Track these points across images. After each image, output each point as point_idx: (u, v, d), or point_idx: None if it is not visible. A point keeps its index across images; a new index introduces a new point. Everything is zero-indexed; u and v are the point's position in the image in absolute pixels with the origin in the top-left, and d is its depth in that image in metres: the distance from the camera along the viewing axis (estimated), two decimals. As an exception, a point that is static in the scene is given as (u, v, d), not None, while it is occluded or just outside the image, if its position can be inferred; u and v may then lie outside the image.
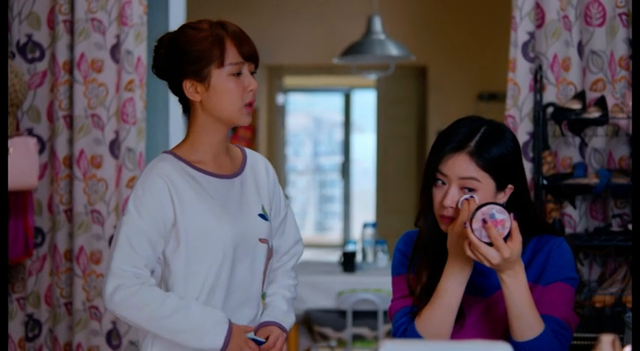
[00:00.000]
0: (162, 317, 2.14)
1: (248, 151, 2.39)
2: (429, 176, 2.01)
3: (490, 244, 1.88)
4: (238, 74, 2.19)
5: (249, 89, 2.20)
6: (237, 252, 2.22)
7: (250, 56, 2.21)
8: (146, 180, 2.20)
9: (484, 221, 1.88)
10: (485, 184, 1.98)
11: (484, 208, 1.89)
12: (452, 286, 1.97)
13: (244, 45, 2.20)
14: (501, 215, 1.88)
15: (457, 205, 1.96)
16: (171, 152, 2.27)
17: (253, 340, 2.22)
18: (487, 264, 1.89)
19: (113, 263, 2.15)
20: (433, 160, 2.01)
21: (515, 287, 1.90)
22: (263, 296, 2.33)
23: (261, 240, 2.27)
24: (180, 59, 2.20)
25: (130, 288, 2.13)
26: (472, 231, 1.89)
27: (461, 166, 1.97)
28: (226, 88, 2.19)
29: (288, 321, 2.34)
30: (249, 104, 2.22)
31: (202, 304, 2.18)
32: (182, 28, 2.25)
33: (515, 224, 1.89)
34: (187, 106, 2.27)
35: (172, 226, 2.18)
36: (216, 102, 2.20)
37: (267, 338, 2.26)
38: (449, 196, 1.97)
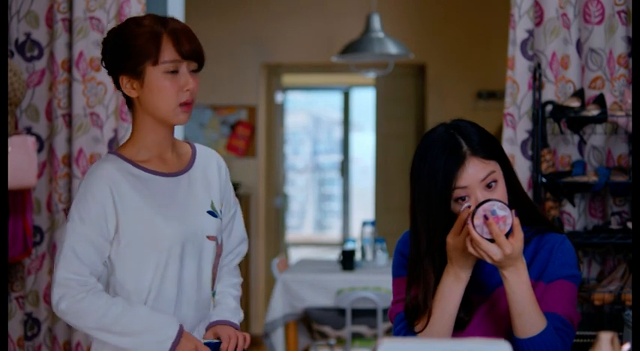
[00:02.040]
0: (110, 322, 2.13)
1: (199, 147, 2.36)
2: (443, 202, 1.96)
3: (492, 241, 1.87)
4: (175, 72, 2.16)
5: (186, 88, 2.16)
6: (184, 250, 2.20)
7: (190, 55, 2.16)
8: (87, 184, 2.18)
9: (485, 217, 1.87)
10: (498, 172, 1.98)
11: (485, 205, 1.88)
12: (452, 291, 1.96)
13: (183, 43, 2.15)
14: (503, 211, 1.87)
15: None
16: (115, 152, 2.25)
17: (208, 344, 2.21)
18: (489, 260, 1.88)
19: (57, 272, 2.14)
20: (443, 185, 1.95)
21: (517, 284, 1.89)
22: (213, 294, 2.32)
23: (209, 237, 2.25)
24: (118, 54, 2.18)
25: (75, 296, 2.13)
26: (473, 227, 1.88)
27: (475, 168, 1.95)
28: (160, 87, 2.15)
29: (238, 318, 2.34)
30: (186, 103, 2.18)
31: (150, 308, 2.17)
32: (126, 21, 2.22)
33: (517, 220, 1.88)
34: (130, 103, 2.25)
35: (115, 228, 2.17)
36: (150, 100, 2.17)
37: (219, 338, 2.25)
38: (480, 199, 1.94)
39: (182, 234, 2.20)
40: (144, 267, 2.18)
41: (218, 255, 2.31)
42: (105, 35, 2.26)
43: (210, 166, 2.33)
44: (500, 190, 1.98)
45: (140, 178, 2.20)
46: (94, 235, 2.15)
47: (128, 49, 2.15)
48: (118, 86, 2.23)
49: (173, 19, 2.21)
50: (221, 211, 2.31)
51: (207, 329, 2.29)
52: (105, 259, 2.18)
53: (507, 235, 1.87)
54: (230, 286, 2.38)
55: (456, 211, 1.97)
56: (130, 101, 2.24)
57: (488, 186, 1.97)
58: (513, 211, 1.88)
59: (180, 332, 2.16)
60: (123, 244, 2.18)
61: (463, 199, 1.96)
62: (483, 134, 2.01)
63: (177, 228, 2.19)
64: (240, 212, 2.44)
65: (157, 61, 2.14)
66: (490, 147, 2.00)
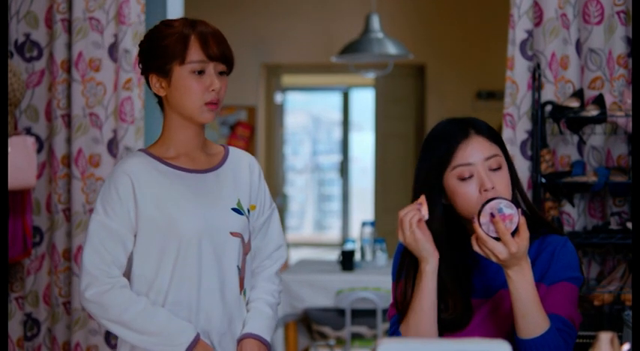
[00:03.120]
0: (129, 319, 2.17)
1: (232, 149, 2.40)
2: (440, 177, 1.98)
3: (497, 239, 1.86)
4: (202, 72, 2.21)
5: (211, 89, 2.22)
6: (202, 243, 2.22)
7: (217, 56, 2.22)
8: (111, 177, 2.24)
9: (492, 215, 1.86)
10: (503, 158, 2.00)
11: (492, 202, 1.86)
12: (420, 289, 1.96)
13: (211, 45, 2.21)
14: (509, 210, 1.86)
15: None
16: (144, 150, 2.31)
17: None
18: (494, 259, 1.87)
19: (85, 261, 2.19)
20: (442, 157, 1.98)
21: (522, 284, 1.88)
22: (244, 293, 2.33)
23: (232, 233, 2.27)
24: (148, 54, 2.25)
25: (101, 287, 2.18)
26: (480, 225, 1.86)
27: (480, 146, 1.97)
28: (186, 86, 2.21)
29: (269, 329, 2.33)
30: (211, 103, 2.23)
31: (171, 314, 2.20)
32: (159, 23, 2.29)
33: (523, 219, 1.87)
34: (161, 102, 2.31)
35: (136, 219, 2.21)
36: (177, 98, 2.23)
37: None
38: (487, 179, 1.95)
39: (201, 227, 2.22)
40: (161, 259, 2.21)
41: (245, 253, 2.32)
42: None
43: (242, 166, 2.36)
44: (505, 178, 1.98)
45: (164, 173, 2.25)
46: (118, 228, 2.20)
47: (157, 49, 2.22)
48: (149, 86, 2.29)
49: (203, 22, 2.26)
50: (248, 211, 2.33)
51: (238, 341, 2.30)
52: (129, 252, 2.22)
53: (513, 234, 1.86)
54: (267, 293, 2.37)
55: (460, 192, 1.96)
56: (160, 100, 2.30)
57: (494, 170, 1.97)
58: (519, 209, 1.87)
59: (196, 341, 2.19)
60: (142, 234, 2.21)
61: (466, 179, 1.96)
62: (492, 129, 2.04)
63: (196, 221, 2.22)
64: (277, 218, 2.44)
65: (184, 61, 2.20)
66: (497, 138, 2.02)
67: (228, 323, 2.28)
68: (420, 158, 2.05)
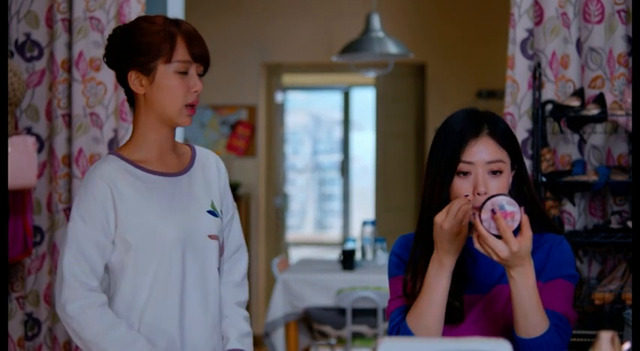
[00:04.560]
0: (107, 341, 2.12)
1: (198, 148, 2.37)
2: (449, 171, 1.97)
3: (499, 237, 1.84)
4: (185, 73, 2.18)
5: (193, 90, 2.19)
6: (186, 249, 2.20)
7: (199, 57, 2.20)
8: (87, 184, 2.19)
9: (493, 212, 1.83)
10: (506, 163, 1.99)
11: (494, 199, 1.84)
12: (436, 277, 1.95)
13: (195, 45, 2.19)
14: (511, 207, 1.83)
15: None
16: (115, 153, 2.26)
17: None
18: (495, 258, 1.84)
19: (65, 271, 2.14)
20: (450, 153, 1.97)
21: (524, 285, 1.86)
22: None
23: (210, 236, 2.25)
24: (129, 50, 2.19)
25: (81, 301, 2.13)
26: (481, 222, 1.83)
27: (487, 149, 1.96)
28: (170, 85, 2.17)
29: (248, 346, 2.32)
30: (191, 105, 2.20)
31: (150, 345, 2.16)
32: (136, 20, 2.24)
33: (525, 218, 1.83)
34: (132, 100, 2.26)
35: (115, 227, 2.17)
36: (158, 98, 2.19)
37: None
38: (481, 183, 1.94)
39: (183, 234, 2.20)
40: (145, 266, 2.18)
41: (220, 254, 2.31)
42: (110, 32, 2.27)
43: (210, 167, 2.33)
44: (502, 184, 1.97)
45: (140, 178, 2.21)
46: (96, 235, 2.16)
47: (141, 46, 2.17)
48: (122, 82, 2.24)
49: (184, 22, 2.24)
50: (221, 211, 2.31)
51: None
52: (107, 259, 2.18)
53: (516, 233, 1.83)
54: (237, 307, 2.35)
55: (456, 187, 1.96)
56: (132, 99, 2.25)
57: (493, 173, 1.97)
58: (522, 208, 1.85)
59: None
60: (123, 242, 2.17)
61: (465, 174, 1.96)
62: (509, 129, 2.03)
63: (177, 228, 2.19)
64: (237, 216, 2.42)
65: (170, 60, 2.16)
66: (510, 140, 2.01)
67: (211, 328, 2.26)
68: (431, 148, 2.03)
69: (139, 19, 2.24)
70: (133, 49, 2.18)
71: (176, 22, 2.21)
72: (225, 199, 2.35)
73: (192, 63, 2.18)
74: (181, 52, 2.17)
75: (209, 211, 2.27)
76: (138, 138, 2.25)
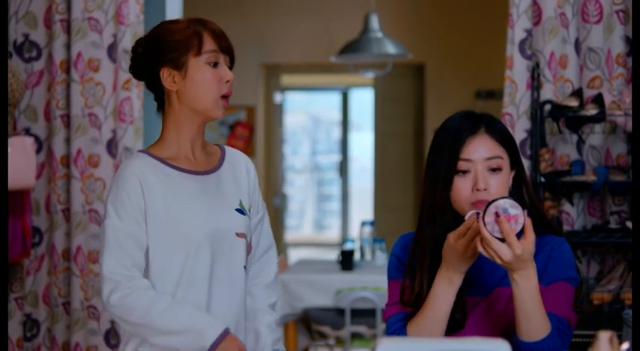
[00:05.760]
0: (153, 317, 2.13)
1: (228, 148, 2.38)
2: (449, 171, 1.97)
3: (502, 240, 1.83)
4: (215, 64, 2.21)
5: (226, 80, 2.22)
6: (213, 246, 2.21)
7: (227, 49, 2.24)
8: (119, 180, 2.21)
9: (497, 215, 1.82)
10: (505, 161, 1.99)
11: (497, 202, 1.83)
12: (443, 294, 1.95)
13: (222, 39, 2.23)
14: (515, 210, 1.82)
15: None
16: (145, 151, 2.28)
17: None
18: (498, 261, 1.84)
19: (103, 269, 2.16)
20: (449, 152, 1.97)
21: (527, 289, 1.86)
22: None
23: (238, 234, 2.26)
24: (158, 49, 2.21)
25: (122, 291, 2.13)
26: (484, 225, 1.83)
27: (485, 146, 1.97)
28: (203, 77, 2.20)
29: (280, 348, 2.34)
30: (225, 96, 2.23)
31: (197, 309, 2.17)
32: (161, 24, 2.28)
33: (529, 221, 1.83)
34: (162, 103, 2.27)
35: (145, 222, 2.18)
36: (192, 91, 2.21)
37: None
38: (481, 179, 1.95)
39: (210, 231, 2.20)
40: (171, 261, 2.19)
41: (248, 253, 2.32)
42: (133, 44, 2.29)
43: (239, 166, 2.35)
44: (502, 180, 1.97)
45: (169, 175, 2.22)
46: (132, 229, 2.17)
47: (170, 44, 2.20)
48: (151, 86, 2.25)
49: (209, 20, 2.27)
50: (249, 210, 2.32)
51: None
52: (145, 249, 2.19)
53: (519, 236, 1.83)
54: (270, 309, 2.36)
55: (456, 186, 1.97)
56: (161, 99, 2.26)
57: (493, 170, 1.97)
58: (525, 211, 1.84)
59: (225, 334, 2.14)
60: (151, 236, 2.18)
61: (464, 173, 1.96)
62: (507, 130, 2.04)
63: (205, 225, 2.20)
64: (267, 217, 2.45)
65: (200, 52, 2.19)
66: (508, 140, 2.02)
67: (234, 323, 2.26)
68: (430, 150, 2.04)
69: (162, 23, 2.28)
70: (162, 48, 2.21)
71: (201, 21, 2.25)
72: (255, 199, 2.37)
73: (221, 53, 2.22)
74: (209, 44, 2.20)
75: (237, 209, 2.28)
76: (168, 136, 2.27)
